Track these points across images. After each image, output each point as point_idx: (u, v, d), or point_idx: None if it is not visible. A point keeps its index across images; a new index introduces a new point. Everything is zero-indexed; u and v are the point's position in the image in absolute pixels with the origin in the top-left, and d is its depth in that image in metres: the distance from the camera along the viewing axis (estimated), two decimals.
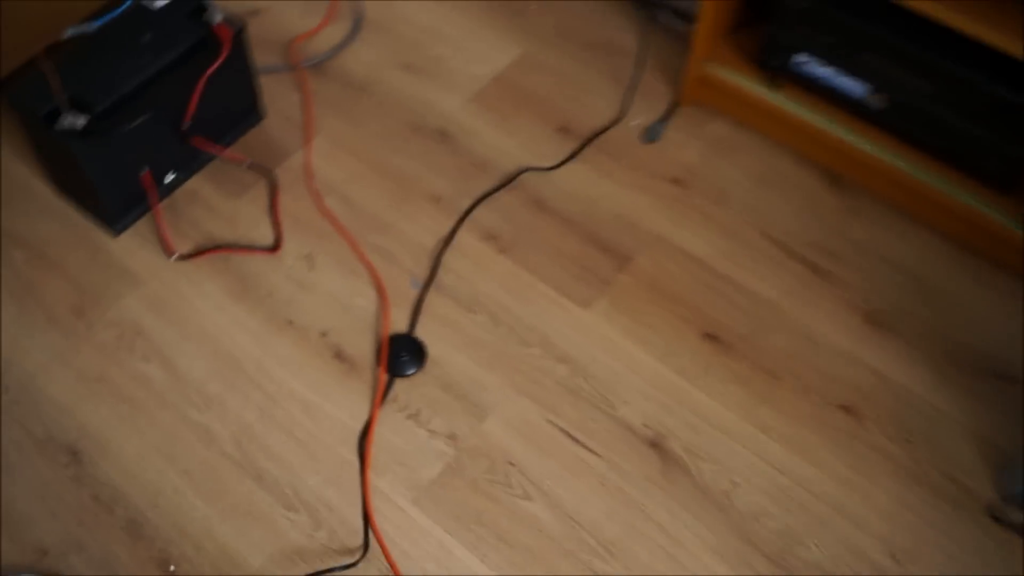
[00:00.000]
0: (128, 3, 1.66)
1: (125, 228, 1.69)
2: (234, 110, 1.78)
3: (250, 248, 1.66)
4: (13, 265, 1.66)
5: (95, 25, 1.61)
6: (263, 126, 1.85)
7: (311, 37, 2.00)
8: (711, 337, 1.55)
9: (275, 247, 1.67)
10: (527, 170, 1.77)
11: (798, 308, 1.58)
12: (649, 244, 1.66)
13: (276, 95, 1.89)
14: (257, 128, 1.84)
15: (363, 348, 1.55)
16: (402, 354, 1.53)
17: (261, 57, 1.94)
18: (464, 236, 1.68)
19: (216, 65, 1.62)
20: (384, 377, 1.51)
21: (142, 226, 1.70)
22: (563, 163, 1.78)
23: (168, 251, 1.66)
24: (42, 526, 1.41)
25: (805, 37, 1.65)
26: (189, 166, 1.74)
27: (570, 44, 1.97)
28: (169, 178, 1.70)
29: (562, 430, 1.46)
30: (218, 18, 1.65)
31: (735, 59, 1.78)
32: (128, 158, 1.60)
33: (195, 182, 1.76)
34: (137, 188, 1.65)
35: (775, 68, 1.74)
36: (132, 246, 1.68)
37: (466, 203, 1.73)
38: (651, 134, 1.82)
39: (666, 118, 1.85)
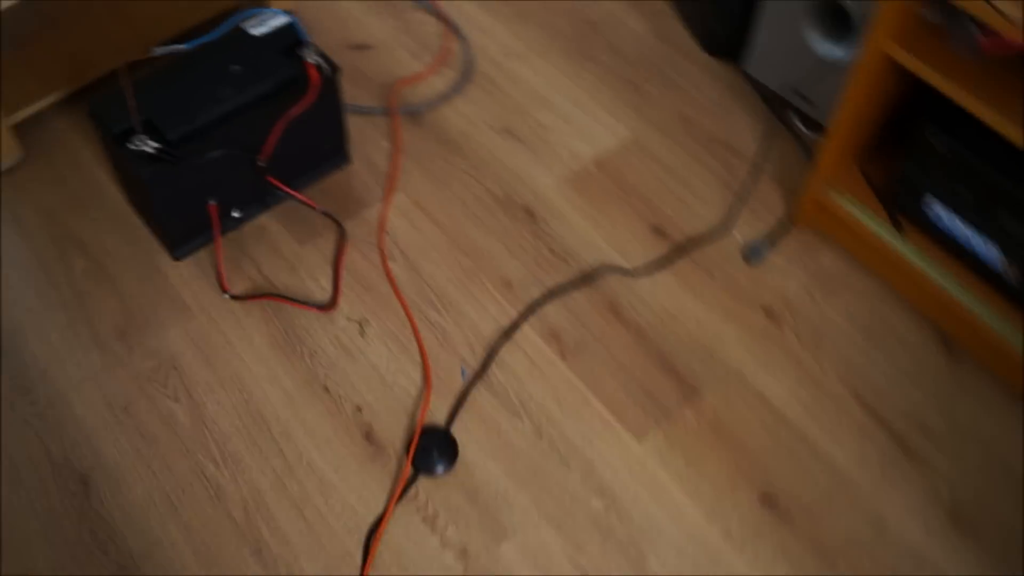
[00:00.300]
0: (228, 27, 1.66)
1: (186, 255, 1.70)
2: (318, 151, 1.78)
3: (304, 303, 1.65)
4: (71, 273, 1.69)
5: (187, 46, 1.62)
6: (347, 170, 1.84)
7: (415, 83, 1.98)
8: (768, 500, 1.46)
9: (330, 305, 1.65)
10: (609, 270, 1.71)
11: (874, 486, 1.48)
12: (723, 379, 1.58)
13: (366, 139, 1.88)
14: (340, 172, 1.83)
15: (395, 433, 1.52)
16: (433, 450, 1.49)
17: (360, 95, 1.94)
18: (527, 331, 1.63)
19: (299, 109, 1.61)
20: (408, 470, 1.47)
21: (203, 255, 1.71)
22: (650, 269, 1.72)
23: (223, 287, 1.66)
24: (35, 551, 1.42)
25: (941, 183, 1.55)
26: (262, 201, 1.74)
27: (686, 135, 1.91)
28: (236, 214, 1.69)
29: (582, 572, 1.39)
30: (313, 58, 1.64)
31: (860, 189, 1.69)
32: (196, 188, 1.61)
33: (266, 219, 1.76)
34: (203, 217, 1.65)
35: (902, 209, 1.64)
36: (189, 275, 1.69)
37: (537, 294, 1.68)
38: (753, 253, 1.74)
39: (773, 238, 1.76)
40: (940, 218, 1.59)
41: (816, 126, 1.89)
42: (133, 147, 1.51)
